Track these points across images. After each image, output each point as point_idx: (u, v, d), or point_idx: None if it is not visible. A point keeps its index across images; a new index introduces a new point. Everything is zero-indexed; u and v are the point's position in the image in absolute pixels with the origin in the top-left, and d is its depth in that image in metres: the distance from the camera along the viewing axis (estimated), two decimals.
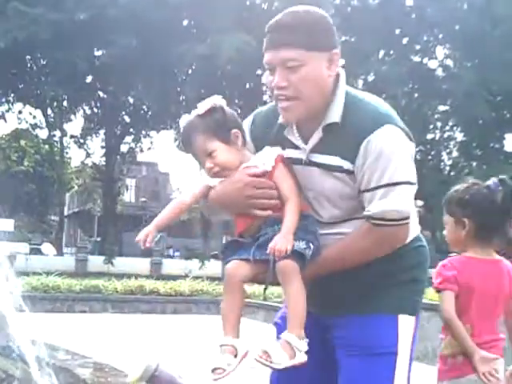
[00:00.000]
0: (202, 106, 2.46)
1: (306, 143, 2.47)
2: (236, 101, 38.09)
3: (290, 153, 2.51)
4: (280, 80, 2.37)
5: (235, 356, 2.29)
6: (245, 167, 2.45)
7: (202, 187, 2.53)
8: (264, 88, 38.34)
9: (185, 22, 35.11)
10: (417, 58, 41.70)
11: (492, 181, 3.41)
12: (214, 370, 2.26)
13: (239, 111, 38.23)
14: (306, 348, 2.27)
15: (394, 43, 36.26)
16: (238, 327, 2.37)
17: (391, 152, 2.33)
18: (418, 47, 41.77)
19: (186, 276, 20.15)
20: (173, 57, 31.25)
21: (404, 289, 2.52)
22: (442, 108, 41.12)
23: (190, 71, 34.77)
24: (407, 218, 2.40)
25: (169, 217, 2.50)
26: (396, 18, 30.78)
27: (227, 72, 32.32)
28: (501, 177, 3.40)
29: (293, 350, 2.25)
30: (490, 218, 3.35)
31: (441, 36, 42.69)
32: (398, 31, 36.47)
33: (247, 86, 37.12)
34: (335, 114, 2.39)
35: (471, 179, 3.53)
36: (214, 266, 30.96)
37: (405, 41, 37.83)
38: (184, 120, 2.51)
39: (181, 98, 37.45)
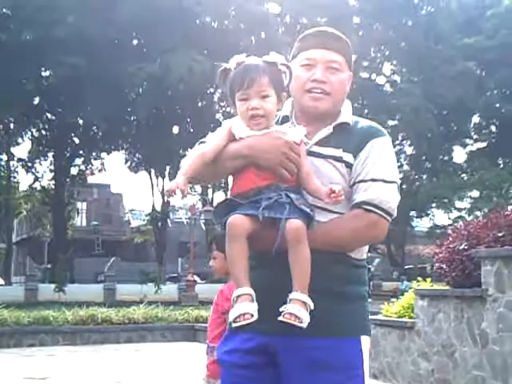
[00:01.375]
0: (273, 57, 2.55)
1: (307, 138, 2.64)
2: (188, 119, 37.95)
3: None
4: (322, 75, 2.65)
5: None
6: (278, 131, 2.54)
7: (225, 136, 2.53)
8: (216, 106, 38.44)
9: (135, 42, 34.94)
10: (365, 74, 42.28)
11: None
12: (241, 316, 2.29)
13: (192, 130, 38.17)
14: (312, 306, 2.36)
15: None
16: (248, 276, 2.40)
17: (390, 156, 2.66)
18: (366, 64, 42.34)
19: (141, 301, 19.75)
20: (123, 76, 30.98)
21: (360, 307, 2.62)
22: (391, 123, 41.82)
23: (140, 91, 34.47)
24: (392, 216, 2.61)
25: (194, 168, 2.48)
26: (344, 34, 30.87)
27: (178, 91, 32.12)
28: None
29: (307, 309, 2.33)
30: None
31: (387, 52, 43.40)
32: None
33: (199, 104, 36.99)
34: (347, 117, 2.70)
35: None
36: (169, 290, 30.56)
37: (353, 57, 38.23)
38: (246, 58, 2.57)
39: (132, 118, 37.15)
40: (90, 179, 45.87)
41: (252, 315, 2.28)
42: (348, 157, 2.59)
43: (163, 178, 39.23)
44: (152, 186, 40.68)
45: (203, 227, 43.36)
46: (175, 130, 37.50)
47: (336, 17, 33.61)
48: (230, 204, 2.48)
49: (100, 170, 43.59)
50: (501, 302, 8.27)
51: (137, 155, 40.13)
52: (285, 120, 2.72)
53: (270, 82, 2.49)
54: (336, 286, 2.52)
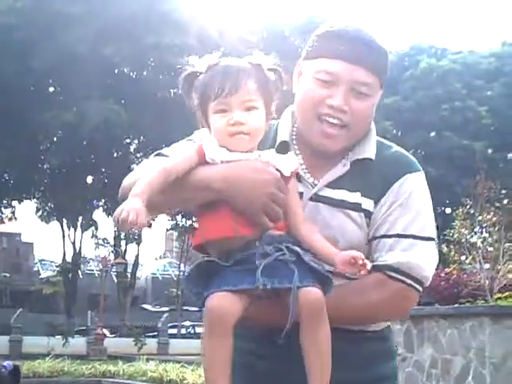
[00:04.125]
0: (263, 58, 1.92)
1: (312, 176, 2.04)
2: (102, 169, 37.47)
3: None
4: (343, 102, 1.96)
5: None
6: (264, 158, 1.86)
7: (193, 155, 1.84)
8: (132, 157, 38.08)
9: (51, 89, 34.45)
10: None
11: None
12: None
13: (106, 180, 37.65)
14: None
15: None
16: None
17: (423, 201, 2.05)
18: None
19: (48, 354, 19.11)
20: (37, 124, 30.42)
21: None
22: None
23: (55, 139, 33.90)
24: (424, 283, 2.00)
25: (153, 188, 1.76)
26: None
27: (94, 140, 31.71)
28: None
29: None
30: None
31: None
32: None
33: (115, 154, 36.60)
34: (370, 150, 2.05)
35: None
36: (78, 343, 29.73)
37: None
38: (230, 59, 1.91)
39: (45, 167, 36.46)
40: (0, 228, 44.71)
41: None
42: (368, 204, 2.00)
43: (75, 228, 38.52)
44: (63, 236, 39.85)
45: (115, 279, 42.60)
46: (89, 179, 36.98)
47: None
48: (209, 265, 1.82)
49: (10, 219, 42.49)
50: (410, 362, 8.28)
51: (49, 204, 39.30)
52: (282, 148, 2.04)
53: (258, 90, 1.85)
54: (353, 372, 1.96)
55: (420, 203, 2.03)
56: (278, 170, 1.85)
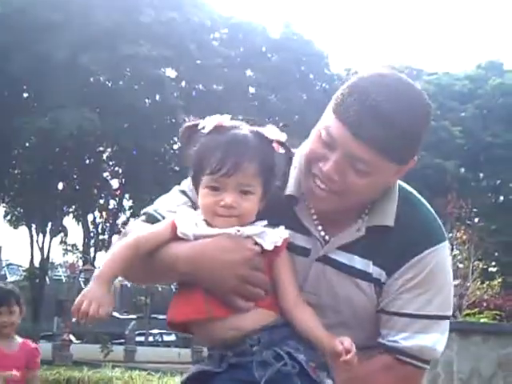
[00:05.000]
0: (269, 130, 1.76)
1: (325, 232, 1.88)
2: (74, 176, 37.28)
3: (295, 237, 1.85)
4: (334, 172, 1.75)
5: None
6: (247, 236, 1.71)
7: (168, 227, 1.74)
8: (104, 165, 37.94)
9: (25, 95, 34.26)
10: None
11: None
12: None
13: (77, 187, 37.45)
14: None
15: None
16: None
17: (443, 278, 1.88)
18: None
19: None
20: (10, 129, 30.20)
21: None
22: None
23: (27, 144, 33.69)
24: (430, 363, 1.90)
25: (120, 265, 1.68)
26: (239, 103, 31.40)
27: (67, 147, 31.60)
28: None
29: None
30: None
31: (281, 124, 44.12)
32: (240, 117, 37.36)
33: (87, 162, 36.46)
34: (388, 217, 1.85)
35: None
36: (43, 349, 29.44)
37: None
38: (229, 122, 1.76)
39: (16, 172, 36.19)
40: None
41: None
42: (379, 274, 1.85)
43: (44, 234, 38.21)
44: (32, 241, 39.49)
45: (83, 286, 42.24)
46: (60, 186, 36.75)
47: (232, 86, 34.10)
48: (200, 374, 1.71)
49: None
50: None
51: (18, 209, 38.96)
52: (291, 200, 1.89)
53: (259, 173, 1.70)
54: None
55: (439, 281, 1.87)
56: (258, 244, 1.70)
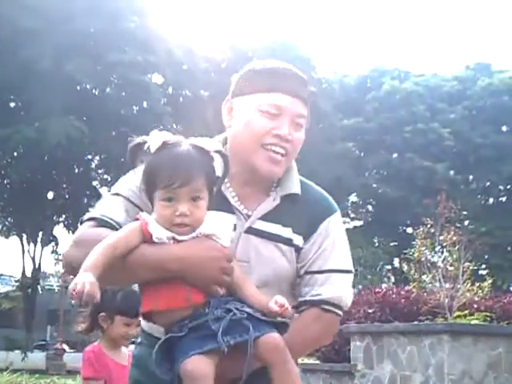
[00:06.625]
0: (207, 142, 2.03)
1: (246, 207, 2.19)
2: (64, 185, 37.20)
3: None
4: (288, 132, 2.15)
5: None
6: (208, 235, 1.99)
7: (137, 233, 1.95)
8: (93, 173, 37.90)
9: (12, 104, 34.16)
10: None
11: None
12: None
13: (67, 196, 37.38)
14: None
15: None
16: None
17: (344, 237, 2.27)
18: None
19: (7, 369, 18.95)
20: None
21: None
22: None
23: (15, 154, 33.60)
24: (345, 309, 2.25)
25: (102, 263, 1.87)
26: (220, 111, 31.41)
27: (55, 156, 31.50)
28: None
29: None
30: None
31: None
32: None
33: (76, 170, 36.38)
34: (296, 186, 2.23)
35: None
36: (37, 358, 29.39)
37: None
38: (172, 138, 2.02)
39: (5, 182, 36.10)
40: None
41: None
42: (298, 239, 2.18)
43: (35, 243, 38.13)
44: (23, 251, 39.40)
45: None
46: (50, 195, 36.68)
47: (219, 92, 34.11)
48: (166, 343, 1.95)
49: None
50: (369, 378, 8.45)
51: (9, 219, 38.87)
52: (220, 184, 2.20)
53: (206, 182, 1.98)
54: None
55: (344, 241, 2.25)
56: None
